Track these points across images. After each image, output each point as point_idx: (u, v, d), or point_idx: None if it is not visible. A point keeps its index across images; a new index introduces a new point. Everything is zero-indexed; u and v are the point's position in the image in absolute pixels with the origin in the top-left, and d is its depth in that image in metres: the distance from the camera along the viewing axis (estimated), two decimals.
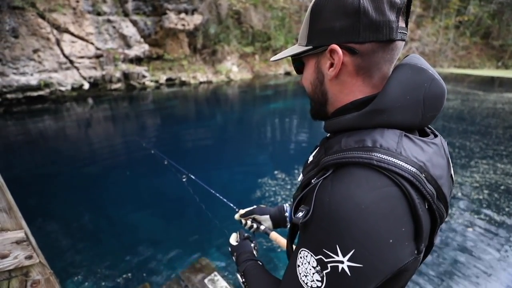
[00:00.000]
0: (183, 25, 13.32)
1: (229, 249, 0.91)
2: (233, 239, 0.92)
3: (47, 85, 10.35)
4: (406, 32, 0.47)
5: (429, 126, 0.53)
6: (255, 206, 0.99)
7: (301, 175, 0.61)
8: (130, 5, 12.37)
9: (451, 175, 0.53)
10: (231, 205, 1.16)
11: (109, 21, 11.87)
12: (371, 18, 0.43)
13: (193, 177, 1.37)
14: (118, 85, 12.21)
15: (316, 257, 0.42)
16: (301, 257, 0.45)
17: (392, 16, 0.43)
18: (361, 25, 0.44)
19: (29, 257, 0.95)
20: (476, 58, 23.96)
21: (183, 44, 14.46)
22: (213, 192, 1.29)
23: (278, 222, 0.96)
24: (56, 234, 3.22)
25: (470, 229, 3.28)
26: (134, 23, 12.69)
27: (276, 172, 4.61)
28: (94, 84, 11.72)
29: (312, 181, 0.46)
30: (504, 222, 3.40)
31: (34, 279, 1.01)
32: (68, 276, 2.59)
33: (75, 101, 10.46)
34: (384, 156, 0.40)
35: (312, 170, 0.51)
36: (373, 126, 0.46)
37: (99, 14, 11.71)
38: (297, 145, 6.19)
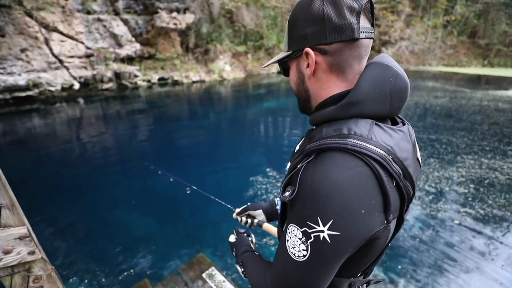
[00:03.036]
0: (175, 24, 13.22)
1: (230, 246, 0.98)
2: (232, 237, 0.99)
3: (36, 85, 10.14)
4: (371, 31, 0.54)
5: (399, 116, 0.61)
6: (249, 204, 1.08)
7: (289, 163, 0.70)
8: (120, 4, 12.20)
9: (418, 158, 0.61)
10: (229, 206, 1.25)
11: (99, 20, 11.69)
12: (334, 23, 0.51)
13: (195, 188, 1.47)
14: (110, 85, 12.06)
15: (302, 229, 0.49)
16: (289, 232, 0.52)
17: (352, 19, 0.51)
18: (326, 29, 0.52)
19: (32, 253, 0.98)
20: (463, 56, 24.55)
21: (175, 43, 14.35)
22: (213, 197, 1.40)
23: (270, 215, 1.05)
24: (52, 234, 3.21)
25: (457, 222, 3.41)
26: (125, 22, 12.53)
27: (268, 169, 4.67)
28: (84, 84, 11.54)
29: (298, 166, 0.53)
30: (489, 215, 3.55)
31: (36, 274, 1.04)
32: (68, 273, 2.60)
33: (65, 102, 10.28)
34: (357, 141, 0.48)
35: (298, 157, 0.58)
36: (349, 117, 0.53)
37: (88, 12, 11.52)
38: (289, 143, 6.27)
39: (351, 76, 0.56)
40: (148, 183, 4.51)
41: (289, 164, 0.70)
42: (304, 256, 0.49)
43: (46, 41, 10.53)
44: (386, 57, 0.57)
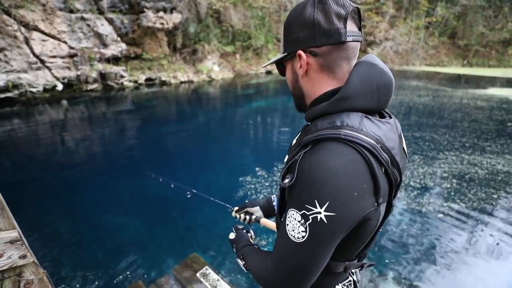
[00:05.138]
0: (162, 23, 13.03)
1: (230, 244, 1.01)
2: (232, 235, 1.02)
3: (15, 86, 9.73)
4: (358, 35, 0.60)
5: (386, 110, 0.67)
6: (246, 202, 1.13)
7: (287, 156, 0.74)
8: (105, 3, 11.90)
9: (404, 148, 0.68)
10: (228, 205, 1.26)
11: (82, 18, 11.35)
12: (323, 28, 0.57)
13: (195, 191, 1.50)
14: (95, 86, 11.74)
15: (300, 212, 0.54)
16: (289, 217, 0.57)
17: (340, 24, 0.56)
18: (316, 33, 0.57)
19: (23, 257, 0.96)
20: (445, 56, 25.48)
21: (162, 43, 14.15)
22: (213, 199, 1.43)
23: (267, 211, 1.09)
24: (36, 240, 3.10)
25: (440, 215, 3.56)
26: (110, 21, 12.24)
27: (257, 169, 4.70)
28: (68, 85, 11.18)
29: (295, 157, 0.58)
30: (470, 208, 3.72)
31: (27, 279, 1.02)
32: (57, 279, 2.53)
33: (48, 103, 9.92)
34: (349, 131, 0.53)
35: (295, 149, 0.63)
36: (341, 111, 0.59)
37: (71, 11, 11.17)
38: (278, 142, 6.33)
39: (341, 75, 0.62)
40: (135, 185, 4.44)
41: (286, 157, 0.75)
42: (303, 237, 0.54)
43: (26, 41, 10.14)
44: (372, 56, 0.63)
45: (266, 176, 4.49)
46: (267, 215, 1.09)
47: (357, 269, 0.78)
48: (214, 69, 16.02)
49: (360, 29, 0.60)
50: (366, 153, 0.51)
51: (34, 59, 10.22)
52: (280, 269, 0.59)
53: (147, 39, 13.55)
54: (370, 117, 0.58)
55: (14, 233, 0.93)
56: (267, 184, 4.24)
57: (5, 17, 9.46)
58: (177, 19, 13.64)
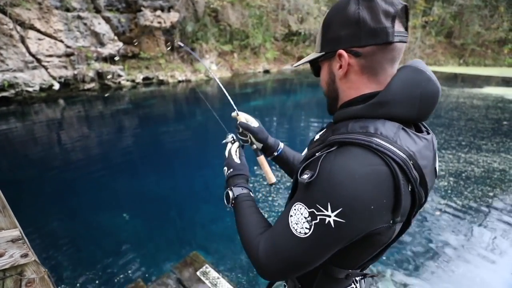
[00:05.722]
0: (159, 22, 12.96)
1: (226, 156, 0.93)
2: (234, 149, 0.93)
3: (11, 85, 9.63)
4: (405, 35, 0.55)
5: (424, 124, 0.62)
6: (257, 125, 0.98)
7: (305, 149, 0.73)
8: (102, 1, 11.81)
9: (435, 168, 0.63)
10: (234, 106, 1.04)
11: (79, 17, 11.26)
12: (369, 26, 0.53)
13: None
14: (92, 85, 11.65)
15: (309, 210, 0.52)
16: (295, 209, 0.56)
17: (387, 23, 0.52)
18: (361, 32, 0.53)
19: (25, 255, 0.96)
20: (441, 56, 25.63)
21: (159, 42, 14.08)
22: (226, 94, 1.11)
23: (267, 150, 1.01)
24: (33, 240, 3.09)
25: (438, 213, 3.60)
26: (107, 20, 12.15)
27: (255, 168, 4.71)
28: (65, 84, 11.08)
29: (316, 154, 0.56)
30: (467, 205, 3.76)
31: (29, 278, 1.02)
32: (57, 279, 2.52)
33: (44, 103, 9.84)
34: (382, 141, 0.49)
35: (318, 145, 0.60)
36: (376, 116, 0.55)
37: (68, 10, 11.07)
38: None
39: (383, 78, 0.58)
40: (134, 184, 4.43)
41: (305, 151, 0.73)
42: (305, 233, 0.53)
43: (22, 39, 10.03)
44: (420, 62, 0.58)
45: (264, 174, 4.50)
46: (263, 152, 1.00)
47: (359, 278, 0.76)
48: (212, 68, 15.98)
49: (406, 29, 0.56)
50: (395, 168, 0.48)
51: (30, 58, 10.12)
52: (272, 255, 0.58)
53: (144, 38, 13.47)
54: (407, 129, 0.54)
55: (16, 232, 0.93)
56: (265, 183, 4.25)
57: (0, 15, 9.35)
58: (175, 18, 13.58)
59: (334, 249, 0.54)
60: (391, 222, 0.51)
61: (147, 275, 2.58)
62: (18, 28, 9.93)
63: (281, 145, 1.01)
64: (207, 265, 2.11)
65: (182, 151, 5.97)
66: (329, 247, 0.53)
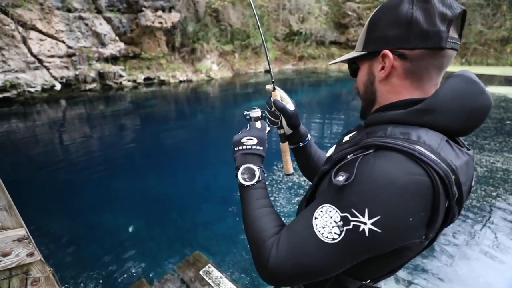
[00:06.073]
0: (160, 23, 12.99)
1: (252, 126, 0.79)
2: (259, 122, 0.80)
3: (13, 86, 9.68)
4: (458, 42, 0.52)
5: (461, 140, 0.57)
6: (293, 108, 0.83)
7: (331, 150, 0.69)
8: (103, 2, 11.85)
9: (471, 185, 0.58)
10: (272, 74, 0.87)
11: (80, 18, 11.30)
12: (422, 28, 0.49)
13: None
14: (93, 85, 11.69)
15: (342, 214, 0.48)
16: (322, 211, 0.51)
17: (442, 27, 0.49)
18: (412, 33, 0.50)
19: (31, 255, 0.96)
20: None
21: (160, 42, 14.10)
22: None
23: (292, 139, 0.90)
24: (43, 237, 3.10)
25: None
26: (108, 20, 12.19)
27: None
28: (66, 84, 11.13)
29: (348, 156, 0.53)
30: (470, 205, 3.75)
31: (34, 277, 1.02)
32: (63, 276, 2.54)
33: (46, 103, 9.88)
34: (425, 151, 0.46)
35: (349, 147, 0.56)
36: (418, 124, 0.51)
37: (69, 10, 11.11)
38: (277, 141, 6.33)
39: (427, 86, 0.54)
40: (135, 184, 4.44)
41: (331, 151, 0.68)
42: (333, 239, 0.48)
43: (24, 40, 10.08)
44: (471, 72, 0.54)
45: (266, 175, 4.49)
46: (289, 141, 0.90)
47: None
48: (213, 68, 16.00)
49: (460, 36, 0.53)
50: (437, 180, 0.44)
51: (32, 59, 10.17)
52: (287, 259, 0.52)
53: (145, 39, 13.50)
54: (451, 142, 0.51)
55: (22, 231, 0.93)
56: (267, 183, 4.24)
57: (2, 16, 9.40)
58: (176, 18, 13.60)
59: (358, 260, 0.50)
60: (423, 237, 0.48)
61: (149, 275, 2.58)
62: (20, 29, 9.98)
63: (309, 136, 0.93)
64: (209, 265, 2.12)
65: (183, 151, 5.98)
66: (356, 256, 0.49)
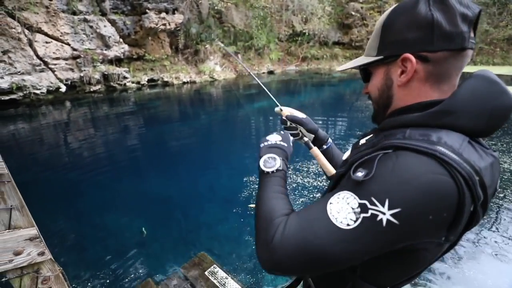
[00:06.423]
0: (164, 24, 13.07)
1: (281, 132, 0.83)
2: (277, 137, 0.82)
3: (19, 88, 9.80)
4: (474, 41, 0.52)
5: (483, 141, 0.55)
6: (305, 116, 0.93)
7: (346, 153, 0.70)
8: (107, 4, 11.96)
9: (496, 188, 0.56)
10: (277, 102, 1.00)
11: (85, 20, 11.42)
12: (444, 30, 0.48)
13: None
14: (98, 87, 11.80)
15: (360, 201, 0.46)
16: (338, 197, 0.49)
17: (464, 27, 0.48)
18: (434, 35, 0.49)
19: (42, 254, 0.98)
20: None
21: (164, 44, 14.19)
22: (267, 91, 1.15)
23: (316, 143, 0.94)
24: (48, 238, 3.13)
25: None
26: (113, 22, 12.29)
27: None
28: (71, 86, 11.25)
29: (368, 156, 0.52)
30: None
31: (45, 276, 1.03)
32: (70, 276, 2.55)
33: (51, 105, 10.00)
34: (447, 151, 0.44)
35: (367, 149, 0.55)
36: (437, 126, 0.50)
37: (74, 13, 11.23)
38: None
39: (447, 87, 0.54)
40: (139, 185, 4.46)
41: (347, 154, 0.69)
42: (348, 225, 0.46)
43: (30, 43, 10.21)
44: (490, 72, 0.54)
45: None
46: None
47: None
48: (216, 69, 16.05)
49: (474, 35, 0.53)
50: (461, 182, 0.43)
51: (38, 61, 10.29)
52: (295, 240, 0.49)
53: (149, 40, 13.59)
54: (473, 143, 0.49)
55: (33, 231, 0.94)
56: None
57: (9, 19, 9.53)
58: (179, 20, 13.68)
59: (372, 252, 0.48)
60: (443, 239, 0.47)
61: (154, 275, 2.59)
62: (26, 31, 10.11)
63: (329, 139, 0.95)
64: (215, 265, 2.12)
65: (187, 152, 6.00)
66: (370, 246, 0.47)
